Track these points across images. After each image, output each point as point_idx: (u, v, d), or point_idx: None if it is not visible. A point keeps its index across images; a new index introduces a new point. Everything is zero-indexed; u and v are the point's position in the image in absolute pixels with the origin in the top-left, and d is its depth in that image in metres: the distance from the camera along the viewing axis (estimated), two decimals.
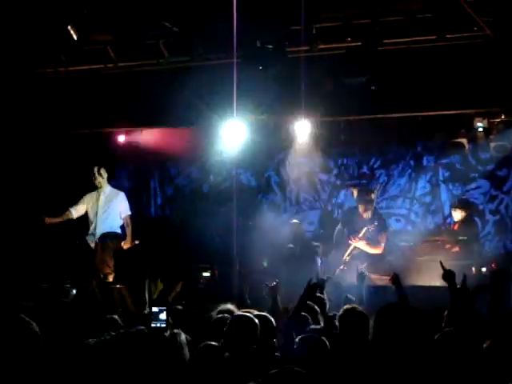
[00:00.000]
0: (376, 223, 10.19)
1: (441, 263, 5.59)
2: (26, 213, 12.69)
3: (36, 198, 13.02)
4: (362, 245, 10.14)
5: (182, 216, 14.03)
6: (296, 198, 13.93)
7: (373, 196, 10.70)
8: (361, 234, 10.14)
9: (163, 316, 5.01)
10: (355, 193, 10.90)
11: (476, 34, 9.51)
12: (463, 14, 9.17)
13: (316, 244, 11.65)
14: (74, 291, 9.52)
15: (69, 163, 13.31)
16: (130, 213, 10.87)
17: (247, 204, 13.28)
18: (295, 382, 3.58)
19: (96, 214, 10.75)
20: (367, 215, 10.32)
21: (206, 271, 12.12)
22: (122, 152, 13.37)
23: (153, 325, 5.00)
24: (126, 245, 10.70)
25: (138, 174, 14.28)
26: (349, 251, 10.31)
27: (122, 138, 13.01)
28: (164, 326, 5.00)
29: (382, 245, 10.30)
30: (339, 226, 11.32)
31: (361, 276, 8.86)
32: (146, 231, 13.06)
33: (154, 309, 5.05)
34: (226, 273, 11.82)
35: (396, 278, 6.38)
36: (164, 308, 5.04)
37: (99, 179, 10.83)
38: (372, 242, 10.17)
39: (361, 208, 10.44)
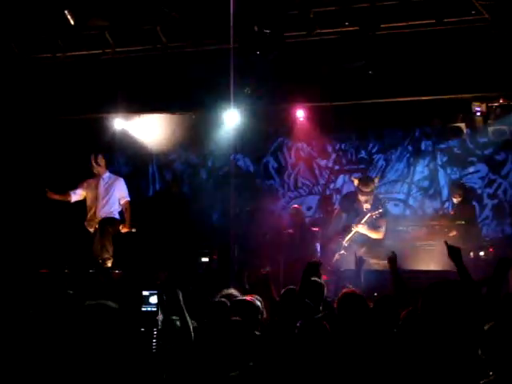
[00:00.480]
0: (381, 210, 10.20)
1: (445, 243, 5.59)
2: (23, 198, 12.74)
3: (34, 183, 13.03)
4: (364, 230, 10.16)
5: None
6: (294, 183, 13.94)
7: (373, 185, 10.65)
8: (363, 220, 10.16)
9: (154, 300, 4.93)
10: (356, 182, 10.84)
11: (474, 17, 9.48)
12: None
13: (315, 229, 11.66)
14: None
15: (67, 149, 13.31)
16: (128, 198, 10.88)
17: (245, 189, 13.29)
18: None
19: (95, 200, 10.75)
20: (368, 205, 10.32)
21: (204, 256, 12.15)
22: (120, 137, 13.34)
23: (143, 309, 4.93)
24: (124, 228, 10.72)
25: (136, 160, 14.27)
26: (349, 236, 10.31)
27: (120, 123, 12.98)
28: (155, 309, 4.93)
29: (383, 230, 10.31)
30: (338, 211, 11.35)
31: (360, 261, 8.91)
32: (145, 216, 13.09)
33: (145, 292, 4.96)
34: (225, 258, 11.86)
35: (393, 258, 6.40)
36: (155, 291, 4.96)
37: (96, 167, 10.84)
38: (373, 226, 10.20)
39: (362, 198, 10.42)
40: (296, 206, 12.46)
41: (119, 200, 10.81)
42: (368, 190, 10.35)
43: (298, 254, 10.90)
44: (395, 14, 9.83)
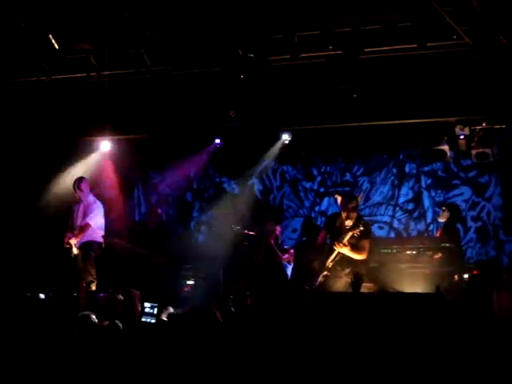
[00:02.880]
0: (362, 228, 10.14)
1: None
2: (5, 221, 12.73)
3: (20, 207, 13.03)
4: (346, 250, 10.03)
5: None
6: (279, 205, 13.97)
7: (356, 203, 10.62)
8: (345, 240, 10.04)
9: (154, 312, 4.99)
10: (339, 199, 10.82)
11: (456, 42, 9.56)
12: (443, 23, 9.23)
13: (287, 252, 11.84)
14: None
15: (52, 171, 13.29)
16: (89, 222, 10.71)
17: (231, 212, 13.31)
18: None
19: (72, 226, 10.74)
20: (350, 222, 10.25)
21: (189, 279, 12.14)
22: (105, 160, 13.33)
23: (143, 319, 4.99)
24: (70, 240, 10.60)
25: (121, 183, 14.25)
26: (332, 257, 10.19)
27: (106, 145, 12.96)
28: (154, 321, 4.98)
29: (366, 250, 10.20)
30: (324, 233, 11.33)
31: (356, 284, 8.86)
32: (131, 238, 13.10)
33: (146, 304, 5.04)
34: (211, 281, 11.85)
35: (357, 282, 6.47)
36: (156, 304, 5.03)
37: (78, 193, 10.83)
38: (356, 248, 10.09)
39: (344, 214, 10.35)
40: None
41: (95, 223, 10.74)
42: (351, 205, 10.25)
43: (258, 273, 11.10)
44: (378, 39, 9.90)
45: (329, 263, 10.03)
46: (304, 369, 5.32)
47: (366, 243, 10.02)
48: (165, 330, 5.44)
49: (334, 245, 10.00)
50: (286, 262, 12.05)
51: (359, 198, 10.90)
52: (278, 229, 12.24)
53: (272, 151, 12.97)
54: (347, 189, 13.38)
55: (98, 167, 13.16)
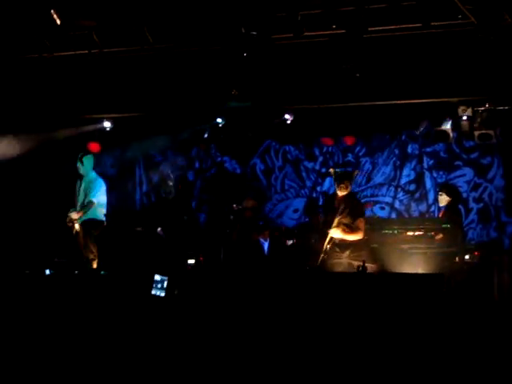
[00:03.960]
0: (351, 208, 9.83)
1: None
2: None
3: (21, 184, 13.03)
4: (338, 233, 9.81)
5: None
6: (281, 185, 13.95)
7: (351, 176, 10.32)
8: (334, 223, 9.83)
9: (164, 285, 4.92)
10: (332, 170, 10.57)
11: (461, 21, 9.50)
12: (448, 2, 9.17)
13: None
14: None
15: (53, 150, 13.27)
16: (93, 199, 10.71)
17: (232, 191, 13.29)
18: None
19: (75, 200, 10.74)
20: (341, 193, 9.92)
21: (190, 258, 12.12)
22: (107, 138, 13.30)
23: (152, 292, 4.92)
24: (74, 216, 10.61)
25: (123, 161, 14.23)
26: (327, 239, 9.97)
27: (108, 124, 12.93)
28: (163, 295, 4.92)
29: (362, 230, 9.99)
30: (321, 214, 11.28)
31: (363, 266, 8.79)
32: (132, 218, 13.06)
33: (156, 276, 4.95)
34: (211, 260, 11.85)
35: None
36: (166, 277, 4.95)
37: (80, 167, 10.80)
38: (350, 228, 9.84)
39: (337, 186, 10.05)
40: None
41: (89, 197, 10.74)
42: (345, 179, 9.99)
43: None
44: (382, 18, 9.84)
45: (326, 245, 9.85)
46: (305, 349, 5.32)
47: (360, 222, 9.76)
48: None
49: (327, 231, 9.79)
50: (262, 239, 11.99)
51: (355, 174, 10.62)
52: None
53: (274, 131, 12.92)
54: (349, 169, 13.32)
55: (100, 145, 13.14)
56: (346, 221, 9.62)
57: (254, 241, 11.79)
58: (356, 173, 10.65)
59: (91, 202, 10.58)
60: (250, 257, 11.42)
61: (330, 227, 9.70)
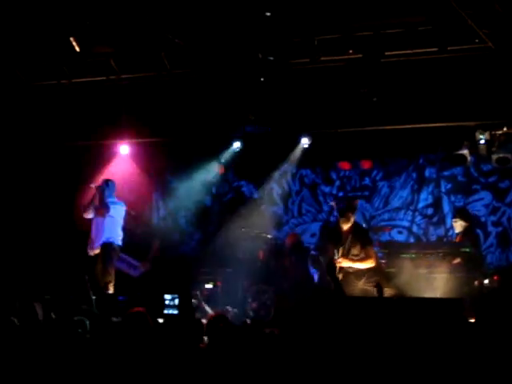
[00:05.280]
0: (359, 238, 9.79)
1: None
2: (27, 224, 12.77)
3: (37, 210, 13.08)
4: (348, 263, 9.78)
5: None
6: (298, 209, 13.93)
7: (353, 208, 10.28)
8: (341, 253, 9.75)
9: (176, 303, 4.93)
10: (334, 206, 10.54)
11: (477, 46, 9.51)
12: (464, 26, 9.18)
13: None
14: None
15: (71, 175, 13.33)
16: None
17: (250, 216, 13.28)
18: None
19: (96, 224, 10.78)
20: (347, 227, 9.90)
21: (208, 283, 12.11)
22: (125, 163, 13.35)
23: (165, 311, 4.94)
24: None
25: (139, 186, 14.26)
26: (337, 270, 9.90)
27: (125, 149, 12.99)
28: (176, 312, 4.94)
29: (373, 257, 9.95)
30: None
31: (379, 289, 8.76)
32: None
33: (167, 296, 4.97)
34: (229, 285, 11.82)
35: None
36: (176, 295, 4.97)
37: (99, 191, 10.86)
38: (358, 257, 9.80)
39: (340, 220, 10.03)
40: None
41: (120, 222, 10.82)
42: (347, 211, 9.96)
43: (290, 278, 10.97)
44: (399, 42, 9.88)
45: (338, 274, 9.78)
46: (324, 372, 5.30)
47: (369, 250, 9.78)
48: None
49: (336, 261, 9.74)
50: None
51: (356, 203, 10.59)
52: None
53: (291, 155, 12.93)
54: (366, 193, 13.33)
55: (118, 171, 13.18)
56: (355, 251, 9.65)
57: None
58: (357, 202, 10.64)
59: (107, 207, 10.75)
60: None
61: (337, 261, 9.70)
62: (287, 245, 12.12)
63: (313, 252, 10.68)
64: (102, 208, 10.71)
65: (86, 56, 10.75)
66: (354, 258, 9.66)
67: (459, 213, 11.28)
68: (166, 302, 5.15)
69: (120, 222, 10.83)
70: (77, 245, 11.39)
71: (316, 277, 11.25)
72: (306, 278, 11.09)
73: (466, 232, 11.05)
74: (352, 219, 9.85)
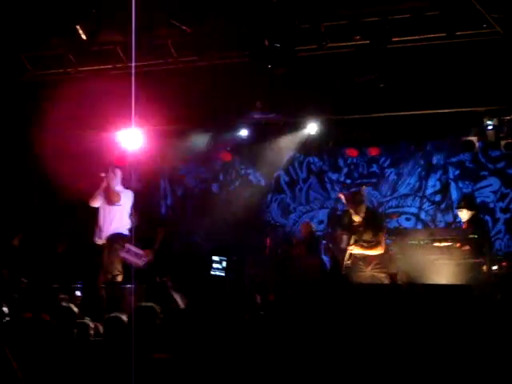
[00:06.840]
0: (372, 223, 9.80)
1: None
2: (36, 214, 12.80)
3: (47, 198, 13.10)
4: (358, 249, 9.83)
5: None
6: (306, 197, 13.92)
7: (360, 196, 10.29)
8: (352, 240, 9.80)
9: (223, 265, 4.96)
10: (343, 197, 10.53)
11: (486, 31, 9.44)
12: (473, 11, 9.11)
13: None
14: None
15: (80, 163, 13.33)
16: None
17: (257, 203, 13.29)
18: None
19: (103, 214, 10.77)
20: (358, 218, 9.94)
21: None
22: (132, 152, 13.34)
23: (212, 272, 4.96)
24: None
25: (148, 174, 14.27)
26: (347, 256, 9.95)
27: (132, 137, 12.95)
28: (223, 274, 4.97)
29: (383, 244, 9.99)
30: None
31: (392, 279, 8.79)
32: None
33: (214, 257, 5.00)
34: (236, 270, 11.83)
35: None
36: (224, 258, 5.00)
37: (109, 177, 10.84)
38: (371, 244, 9.84)
39: (352, 211, 10.05)
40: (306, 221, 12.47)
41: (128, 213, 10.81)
42: (356, 200, 9.97)
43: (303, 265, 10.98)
44: (407, 28, 9.81)
45: (346, 261, 9.85)
46: (333, 358, 5.30)
47: (380, 237, 9.84)
48: None
49: (346, 248, 9.79)
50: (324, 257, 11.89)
51: (362, 191, 10.57)
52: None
53: (299, 142, 12.90)
54: (374, 180, 13.32)
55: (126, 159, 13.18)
56: (366, 237, 9.67)
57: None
58: (363, 190, 10.61)
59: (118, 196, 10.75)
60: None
61: (348, 244, 9.75)
62: (302, 234, 12.14)
63: (323, 241, 10.70)
64: (112, 196, 10.69)
65: (92, 44, 10.70)
66: (364, 244, 9.71)
67: (464, 201, 11.24)
68: (214, 265, 5.16)
69: (127, 210, 10.83)
70: None
71: (328, 264, 11.31)
72: (315, 266, 11.12)
73: (473, 219, 11.03)
74: (363, 208, 9.87)
